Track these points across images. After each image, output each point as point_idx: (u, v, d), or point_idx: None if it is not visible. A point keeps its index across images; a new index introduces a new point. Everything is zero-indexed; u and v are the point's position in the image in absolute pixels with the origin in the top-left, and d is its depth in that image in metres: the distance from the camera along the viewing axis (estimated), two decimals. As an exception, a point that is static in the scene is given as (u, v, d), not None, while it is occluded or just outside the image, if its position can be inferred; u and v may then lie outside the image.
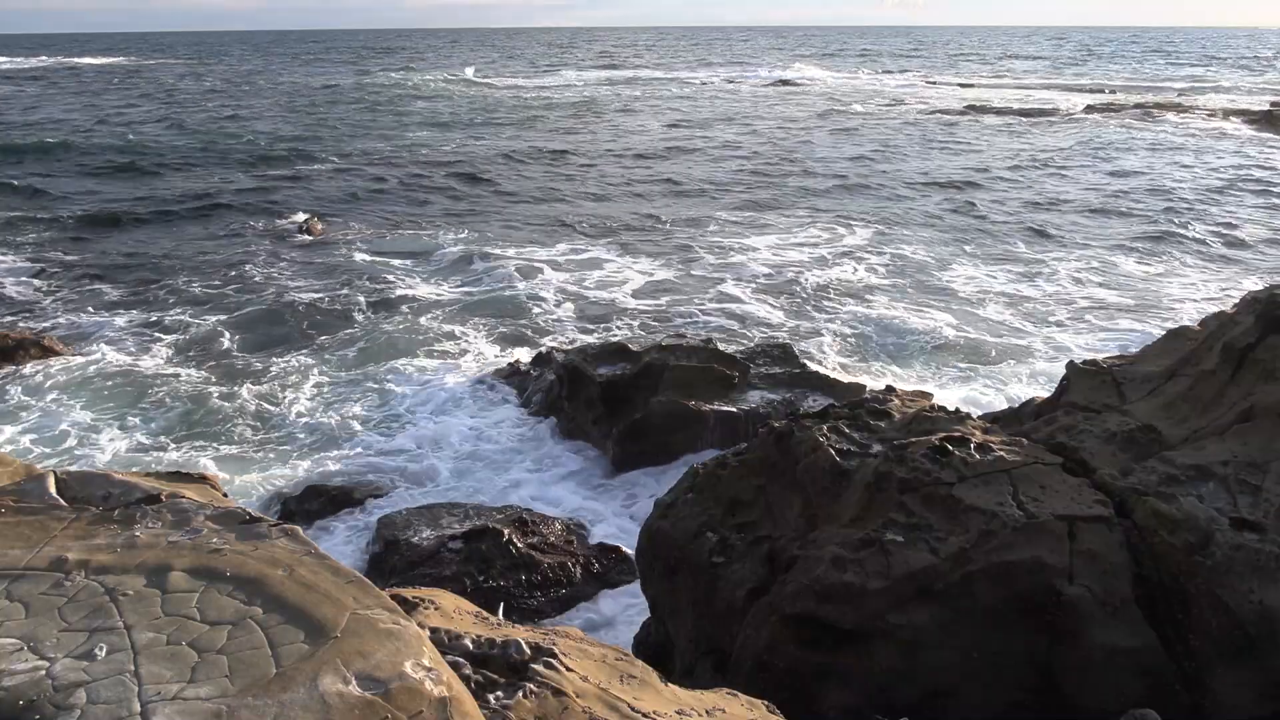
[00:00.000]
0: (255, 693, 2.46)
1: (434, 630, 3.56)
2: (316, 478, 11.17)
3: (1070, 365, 6.85)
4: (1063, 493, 5.35)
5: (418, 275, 20.17)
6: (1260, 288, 6.51)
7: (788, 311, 17.64)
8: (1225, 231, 23.82)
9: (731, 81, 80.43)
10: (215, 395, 13.55)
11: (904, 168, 34.18)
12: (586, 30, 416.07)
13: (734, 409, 11.38)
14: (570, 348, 13.98)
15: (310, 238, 23.62)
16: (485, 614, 4.09)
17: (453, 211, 27.20)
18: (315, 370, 14.66)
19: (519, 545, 9.15)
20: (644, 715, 3.40)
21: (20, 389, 13.43)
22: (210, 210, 26.80)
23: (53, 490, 3.56)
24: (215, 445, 12.14)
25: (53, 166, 33.56)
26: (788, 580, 5.41)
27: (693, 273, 20.25)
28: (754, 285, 19.15)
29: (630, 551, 8.78)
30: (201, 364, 14.90)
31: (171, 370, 14.55)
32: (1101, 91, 65.56)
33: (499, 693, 3.30)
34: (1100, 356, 7.12)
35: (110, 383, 13.90)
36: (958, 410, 6.56)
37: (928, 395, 7.21)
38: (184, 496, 3.62)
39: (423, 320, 17.00)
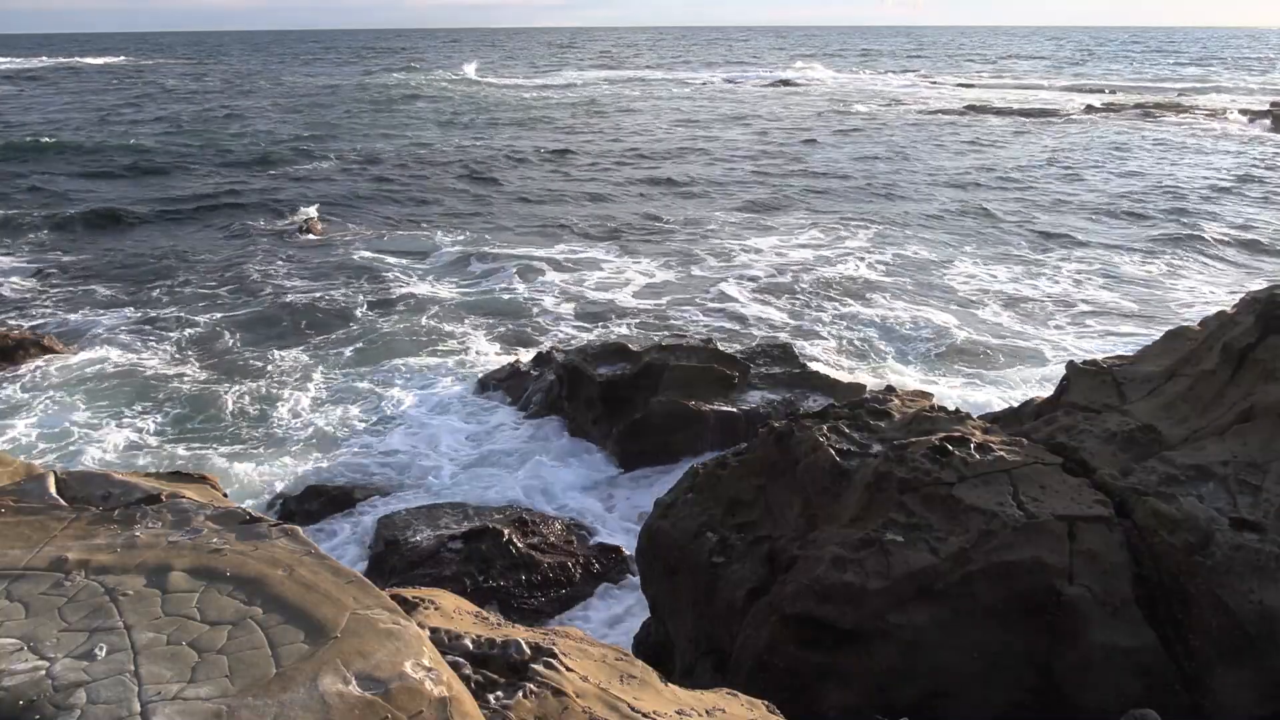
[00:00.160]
0: (255, 693, 2.46)
1: (434, 630, 3.56)
2: (316, 478, 11.16)
3: (1070, 365, 6.85)
4: (1063, 493, 5.35)
5: (418, 275, 20.16)
6: (1260, 288, 6.50)
7: (788, 311, 17.63)
8: (1232, 233, 23.76)
9: (732, 81, 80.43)
10: (215, 394, 13.55)
11: (905, 168, 34.17)
12: (587, 30, 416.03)
13: (734, 409, 11.38)
14: (570, 348, 13.97)
15: (311, 237, 23.64)
16: (485, 614, 4.09)
17: (453, 211, 27.20)
18: (315, 370, 14.66)
19: (519, 545, 9.16)
20: (644, 715, 3.40)
21: (20, 388, 13.43)
22: (210, 210, 26.81)
23: (53, 490, 3.56)
24: (215, 445, 12.13)
25: (52, 166, 33.54)
26: (788, 580, 5.41)
27: (693, 273, 20.24)
28: (754, 285, 19.14)
29: (630, 551, 8.78)
30: (202, 363, 14.91)
31: (172, 370, 14.55)
32: (1102, 92, 65.55)
33: (499, 693, 3.30)
34: (1101, 357, 7.12)
35: (110, 382, 13.90)
36: (958, 410, 6.56)
37: (928, 395, 7.21)
38: (184, 496, 3.62)
39: (423, 320, 17.01)
